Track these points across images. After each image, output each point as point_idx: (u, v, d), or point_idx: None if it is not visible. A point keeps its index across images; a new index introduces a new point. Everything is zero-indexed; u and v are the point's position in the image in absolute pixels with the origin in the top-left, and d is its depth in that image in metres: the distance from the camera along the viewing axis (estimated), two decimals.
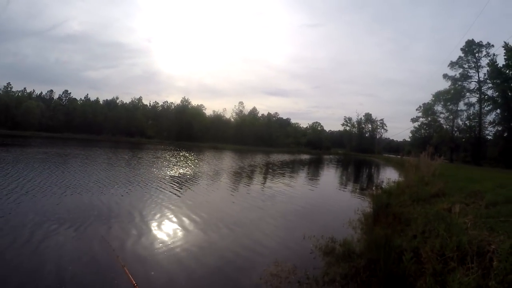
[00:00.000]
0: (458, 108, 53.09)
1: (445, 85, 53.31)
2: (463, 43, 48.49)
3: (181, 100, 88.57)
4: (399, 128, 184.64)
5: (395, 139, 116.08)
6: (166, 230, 6.70)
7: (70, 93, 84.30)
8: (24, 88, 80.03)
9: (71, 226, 6.27)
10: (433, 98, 56.61)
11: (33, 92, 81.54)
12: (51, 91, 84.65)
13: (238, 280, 4.56)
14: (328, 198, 12.97)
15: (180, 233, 6.56)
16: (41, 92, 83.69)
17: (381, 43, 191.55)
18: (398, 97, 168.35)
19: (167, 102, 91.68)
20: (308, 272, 4.73)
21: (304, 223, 8.09)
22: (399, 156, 48.05)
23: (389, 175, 23.48)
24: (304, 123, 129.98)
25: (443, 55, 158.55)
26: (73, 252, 5.02)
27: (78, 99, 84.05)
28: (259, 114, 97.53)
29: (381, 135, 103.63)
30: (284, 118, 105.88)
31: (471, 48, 47.16)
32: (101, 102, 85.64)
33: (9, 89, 75.93)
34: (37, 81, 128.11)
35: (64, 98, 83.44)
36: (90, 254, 4.99)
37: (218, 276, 4.65)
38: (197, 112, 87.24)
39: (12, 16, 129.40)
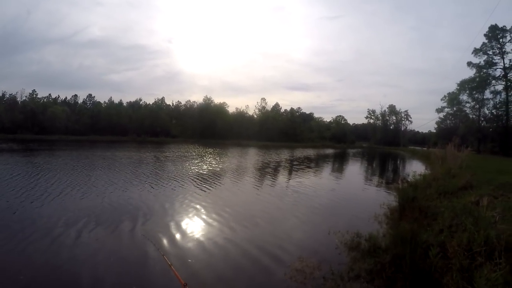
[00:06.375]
0: (484, 97, 50.78)
1: (470, 73, 51.13)
2: (487, 29, 46.25)
3: (204, 99, 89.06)
4: (424, 119, 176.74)
5: (420, 131, 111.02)
6: (195, 227, 6.95)
7: (94, 96, 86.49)
8: (49, 94, 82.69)
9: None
10: (458, 87, 54.50)
11: (58, 97, 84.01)
12: (76, 95, 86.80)
13: (263, 276, 4.67)
14: (353, 192, 12.95)
15: (208, 230, 6.82)
16: (66, 97, 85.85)
17: (404, 32, 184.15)
18: (423, 87, 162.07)
19: (190, 101, 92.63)
20: (333, 267, 4.78)
21: (329, 218, 8.19)
22: (425, 148, 46.76)
23: (415, 168, 23.00)
24: (327, 117, 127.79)
25: (467, 41, 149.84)
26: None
27: (102, 102, 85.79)
28: (282, 110, 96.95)
29: (406, 127, 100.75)
30: (307, 112, 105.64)
31: (495, 34, 44.60)
32: (125, 104, 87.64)
33: (34, 95, 78.22)
34: (62, 86, 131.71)
35: (89, 102, 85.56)
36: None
37: (243, 271, 4.79)
38: (220, 110, 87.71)
39: (33, 26, 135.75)
